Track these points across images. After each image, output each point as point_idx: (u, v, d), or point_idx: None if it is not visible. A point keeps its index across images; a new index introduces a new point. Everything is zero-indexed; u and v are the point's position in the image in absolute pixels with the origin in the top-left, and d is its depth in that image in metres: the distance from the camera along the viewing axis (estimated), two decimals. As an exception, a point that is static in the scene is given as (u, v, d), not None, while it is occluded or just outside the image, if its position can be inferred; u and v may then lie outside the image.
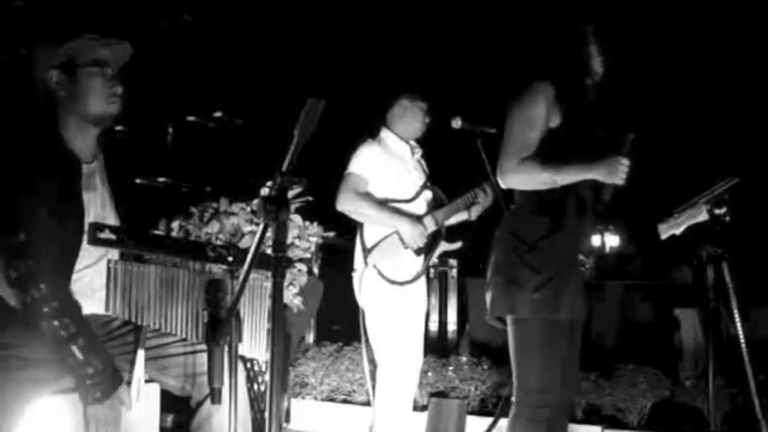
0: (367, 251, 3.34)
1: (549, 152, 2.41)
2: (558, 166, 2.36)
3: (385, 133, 3.51)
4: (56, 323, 1.88)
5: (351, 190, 3.34)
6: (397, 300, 3.33)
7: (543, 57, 2.51)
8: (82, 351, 1.90)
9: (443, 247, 3.48)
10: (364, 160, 3.40)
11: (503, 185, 2.49)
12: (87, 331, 1.95)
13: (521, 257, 2.36)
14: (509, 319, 2.42)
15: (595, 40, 2.46)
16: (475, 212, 3.48)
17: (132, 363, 2.09)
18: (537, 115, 2.40)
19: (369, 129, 3.55)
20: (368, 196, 3.36)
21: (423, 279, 3.47)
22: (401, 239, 3.34)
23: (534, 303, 2.33)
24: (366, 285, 3.34)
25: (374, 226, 3.36)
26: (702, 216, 2.69)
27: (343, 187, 3.36)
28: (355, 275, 3.40)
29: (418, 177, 3.51)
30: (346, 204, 3.35)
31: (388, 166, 3.41)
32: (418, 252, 3.39)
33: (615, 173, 2.37)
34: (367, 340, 3.42)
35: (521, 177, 2.41)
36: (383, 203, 3.36)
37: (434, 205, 3.50)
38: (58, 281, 1.94)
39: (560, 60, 2.47)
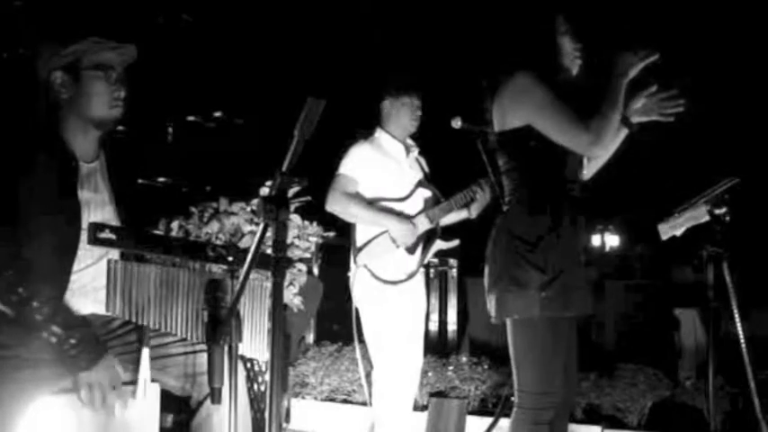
0: (357, 251, 3.35)
1: (528, 148, 2.40)
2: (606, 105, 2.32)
3: (379, 133, 3.51)
4: (37, 316, 1.90)
5: (339, 191, 3.35)
6: (391, 299, 3.32)
7: (516, 52, 2.49)
8: (60, 326, 1.91)
9: (439, 245, 3.48)
10: (354, 161, 3.40)
11: (600, 155, 2.41)
12: (64, 309, 1.96)
13: (524, 257, 2.33)
14: (513, 320, 2.38)
15: (567, 36, 2.43)
16: (475, 210, 3.47)
17: (137, 362, 2.09)
18: (551, 92, 2.36)
19: (367, 128, 3.55)
20: (357, 197, 3.36)
21: (420, 278, 3.46)
22: (392, 239, 3.33)
23: (543, 302, 2.30)
24: (359, 285, 3.35)
25: (364, 226, 3.37)
26: (704, 217, 2.68)
27: (332, 188, 3.37)
28: (350, 275, 3.41)
29: (414, 176, 3.50)
30: (334, 205, 3.36)
31: (379, 166, 3.40)
32: (411, 251, 3.38)
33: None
34: (361, 340, 3.42)
35: (607, 132, 2.32)
36: (372, 203, 3.36)
37: (431, 203, 3.50)
38: (48, 285, 1.95)
39: (530, 55, 2.46)
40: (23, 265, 1.91)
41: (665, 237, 2.76)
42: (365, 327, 3.38)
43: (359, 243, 3.36)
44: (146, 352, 2.09)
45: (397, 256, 3.36)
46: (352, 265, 3.41)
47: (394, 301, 3.33)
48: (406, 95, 3.47)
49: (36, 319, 1.89)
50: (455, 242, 3.52)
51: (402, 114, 3.47)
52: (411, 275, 3.39)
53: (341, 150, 3.46)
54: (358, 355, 3.52)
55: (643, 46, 2.33)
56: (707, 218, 2.67)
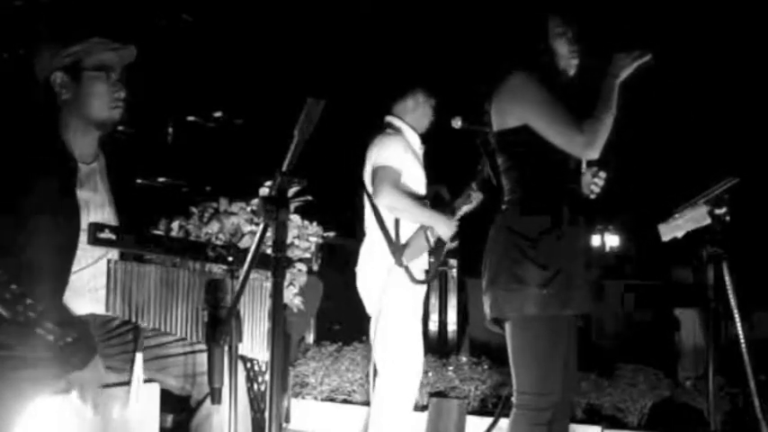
0: (400, 249, 3.24)
1: (527, 148, 2.40)
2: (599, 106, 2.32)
3: (400, 124, 3.42)
4: (31, 313, 1.90)
5: (392, 183, 3.19)
6: (414, 299, 3.31)
7: (513, 53, 2.49)
8: (56, 323, 1.91)
9: (449, 245, 3.47)
10: (395, 153, 3.28)
11: (594, 157, 2.38)
12: (59, 306, 1.97)
13: (524, 253, 2.32)
14: (513, 319, 2.37)
15: (563, 39, 2.43)
16: (457, 214, 3.42)
17: (131, 363, 2.09)
18: (547, 92, 2.36)
19: (375, 121, 3.50)
20: (406, 190, 3.26)
21: None
22: (427, 237, 3.30)
23: (543, 299, 2.29)
24: (392, 283, 3.26)
25: (408, 224, 3.28)
26: (705, 220, 2.68)
27: (382, 180, 3.20)
28: (376, 272, 3.31)
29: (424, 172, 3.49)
30: (388, 198, 3.19)
31: (410, 159, 3.34)
32: (434, 251, 3.37)
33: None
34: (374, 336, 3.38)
35: (600, 134, 2.32)
36: (420, 200, 3.30)
37: (434, 202, 3.48)
38: (46, 284, 1.96)
39: (522, 57, 2.46)
40: (13, 263, 1.90)
41: (665, 238, 2.76)
42: (388, 325, 3.28)
43: (404, 241, 3.27)
44: (139, 356, 2.09)
45: (425, 256, 3.34)
46: (385, 262, 3.27)
47: (415, 301, 3.32)
48: (434, 98, 3.48)
49: (30, 316, 1.89)
50: (457, 241, 3.52)
51: (425, 114, 3.45)
52: (434, 276, 3.39)
53: (360, 143, 3.38)
54: (374, 352, 3.48)
55: (636, 46, 2.33)
56: (708, 221, 2.67)
